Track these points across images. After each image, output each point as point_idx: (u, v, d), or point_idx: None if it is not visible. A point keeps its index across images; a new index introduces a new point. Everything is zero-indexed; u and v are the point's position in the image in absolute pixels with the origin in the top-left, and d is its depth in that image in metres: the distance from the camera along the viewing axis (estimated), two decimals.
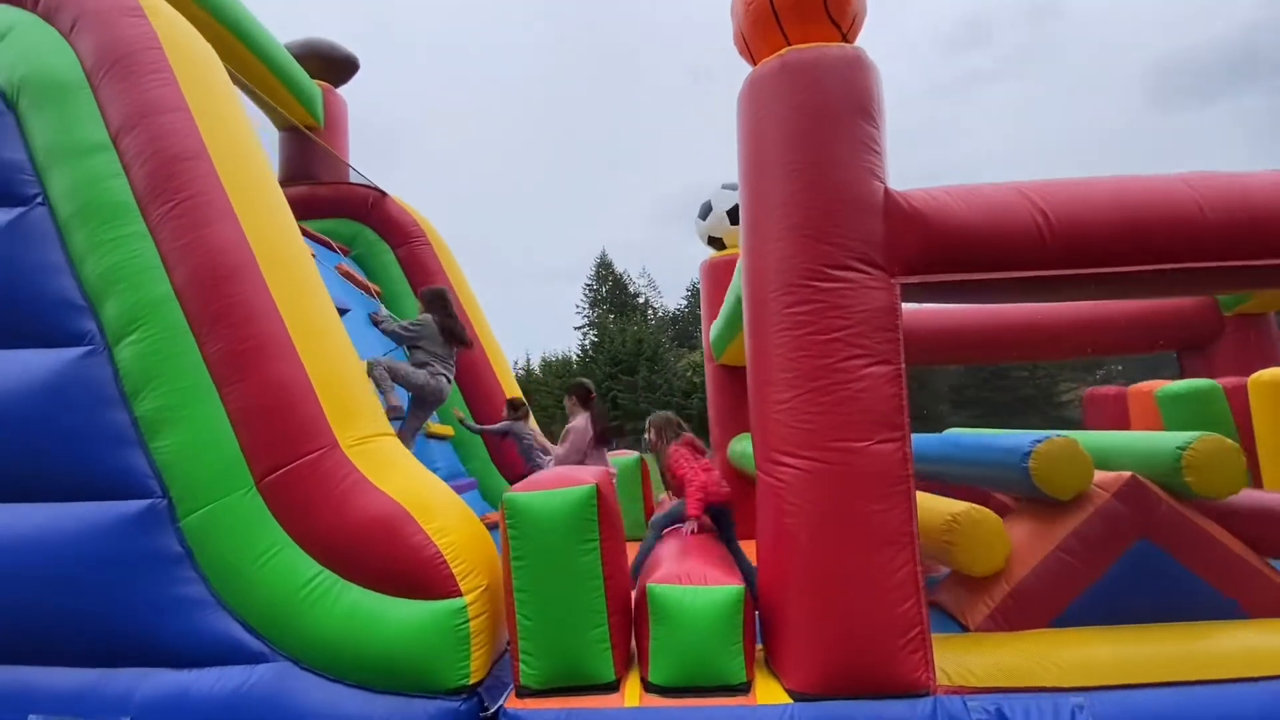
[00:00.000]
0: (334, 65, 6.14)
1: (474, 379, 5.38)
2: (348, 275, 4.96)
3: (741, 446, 4.77)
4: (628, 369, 54.69)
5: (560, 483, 2.30)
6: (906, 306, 2.40)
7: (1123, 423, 4.23)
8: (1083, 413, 4.74)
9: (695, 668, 2.17)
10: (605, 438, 4.09)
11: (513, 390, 5.47)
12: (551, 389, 59.63)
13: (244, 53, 4.93)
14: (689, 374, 53.62)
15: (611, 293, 72.44)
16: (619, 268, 74.02)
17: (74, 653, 2.37)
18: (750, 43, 2.66)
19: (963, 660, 2.25)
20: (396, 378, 3.75)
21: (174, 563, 2.41)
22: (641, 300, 73.97)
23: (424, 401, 3.95)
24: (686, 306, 75.11)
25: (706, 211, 5.08)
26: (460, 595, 2.33)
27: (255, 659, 2.35)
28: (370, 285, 5.15)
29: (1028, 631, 2.49)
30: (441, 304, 4.10)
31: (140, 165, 2.61)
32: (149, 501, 2.45)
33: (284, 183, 5.81)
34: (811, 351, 2.27)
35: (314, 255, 4.45)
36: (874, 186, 2.36)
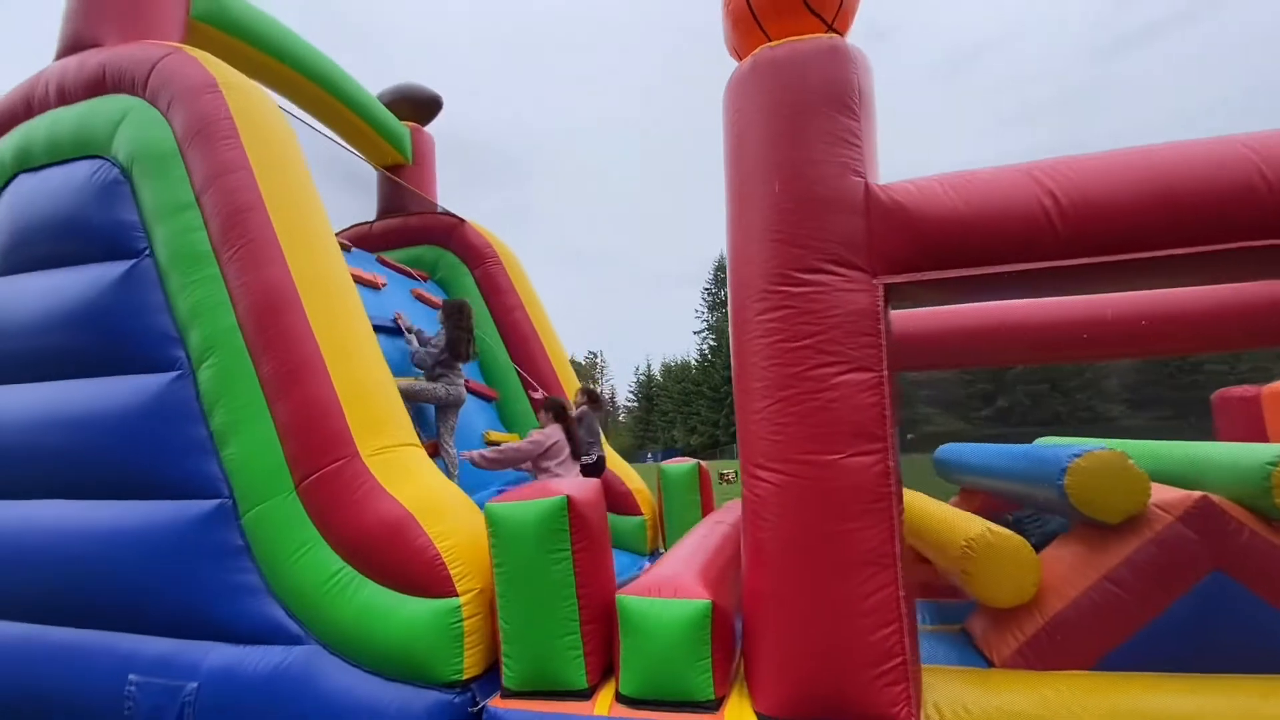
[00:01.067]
0: (421, 106, 6.77)
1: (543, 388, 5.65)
2: (421, 297, 5.44)
3: None
4: None
5: (537, 494, 2.39)
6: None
7: (1257, 429, 3.51)
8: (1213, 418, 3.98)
9: (661, 682, 2.16)
10: (577, 453, 4.33)
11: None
12: (672, 394, 60.44)
13: (339, 106, 5.62)
14: None
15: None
16: None
17: (161, 624, 2.86)
18: (735, 43, 2.61)
19: (963, 698, 2.03)
20: (417, 399, 4.12)
21: (236, 554, 2.83)
22: None
23: (446, 407, 4.37)
24: None
25: None
26: (455, 595, 2.50)
27: (293, 641, 2.69)
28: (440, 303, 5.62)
29: (1056, 672, 2.18)
30: (456, 317, 4.45)
31: (214, 218, 3.10)
32: (219, 501, 2.90)
33: (381, 215, 6.54)
34: (781, 359, 2.17)
35: (385, 283, 4.95)
36: (850, 183, 2.21)
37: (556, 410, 4.33)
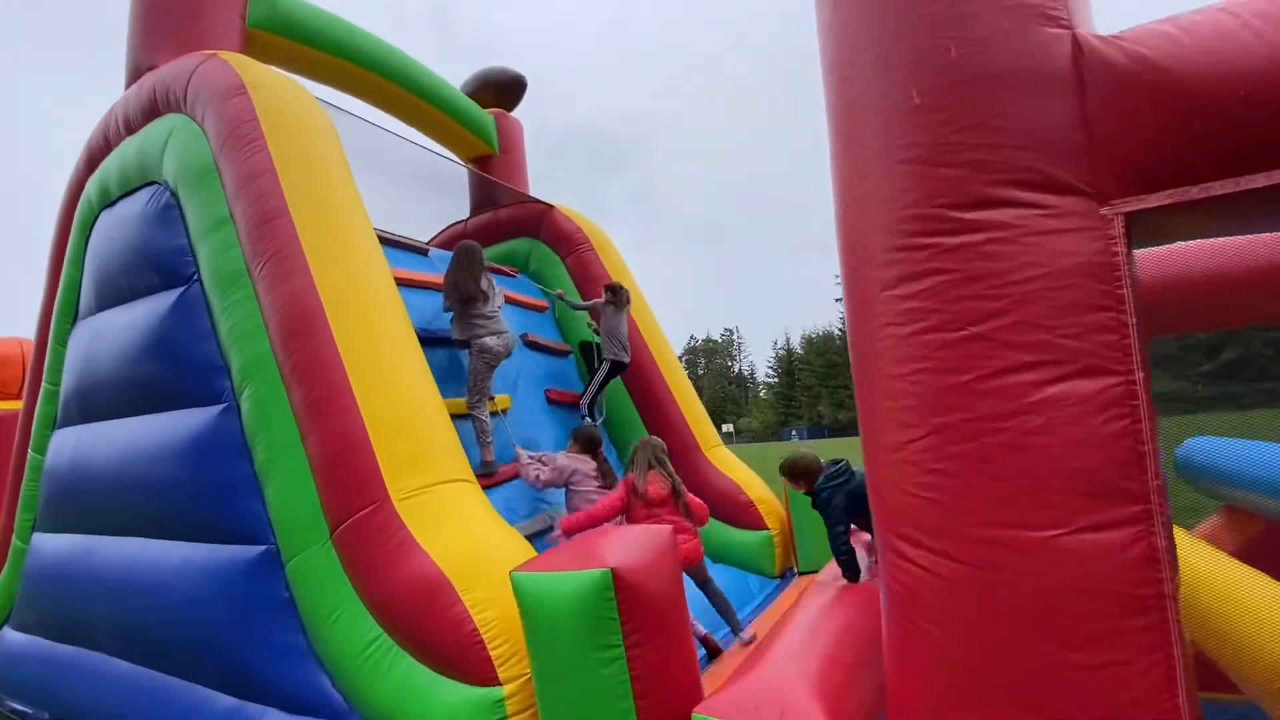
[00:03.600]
0: (505, 90, 6.37)
1: (646, 389, 4.99)
2: (509, 299, 5.00)
3: None
4: None
5: (576, 559, 1.73)
6: None
7: None
8: None
9: None
10: (606, 481, 3.58)
11: (692, 409, 4.93)
12: (814, 367, 57.42)
13: (416, 101, 5.33)
14: None
15: None
16: None
17: (222, 678, 2.63)
18: None
19: None
20: (475, 383, 3.66)
21: (282, 608, 2.51)
22: None
23: (492, 363, 3.77)
24: None
25: None
26: (497, 684, 1.94)
27: (337, 716, 2.30)
28: (534, 301, 5.16)
29: None
30: (457, 260, 3.85)
31: (243, 229, 2.80)
32: (265, 547, 2.60)
33: (475, 211, 6.24)
34: (932, 362, 1.29)
35: None
36: (1045, 39, 1.25)
37: (584, 442, 3.67)
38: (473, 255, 3.85)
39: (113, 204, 3.56)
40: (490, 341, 3.69)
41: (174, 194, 3.17)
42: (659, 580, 1.76)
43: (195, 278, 3.03)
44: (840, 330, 60.36)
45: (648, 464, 3.26)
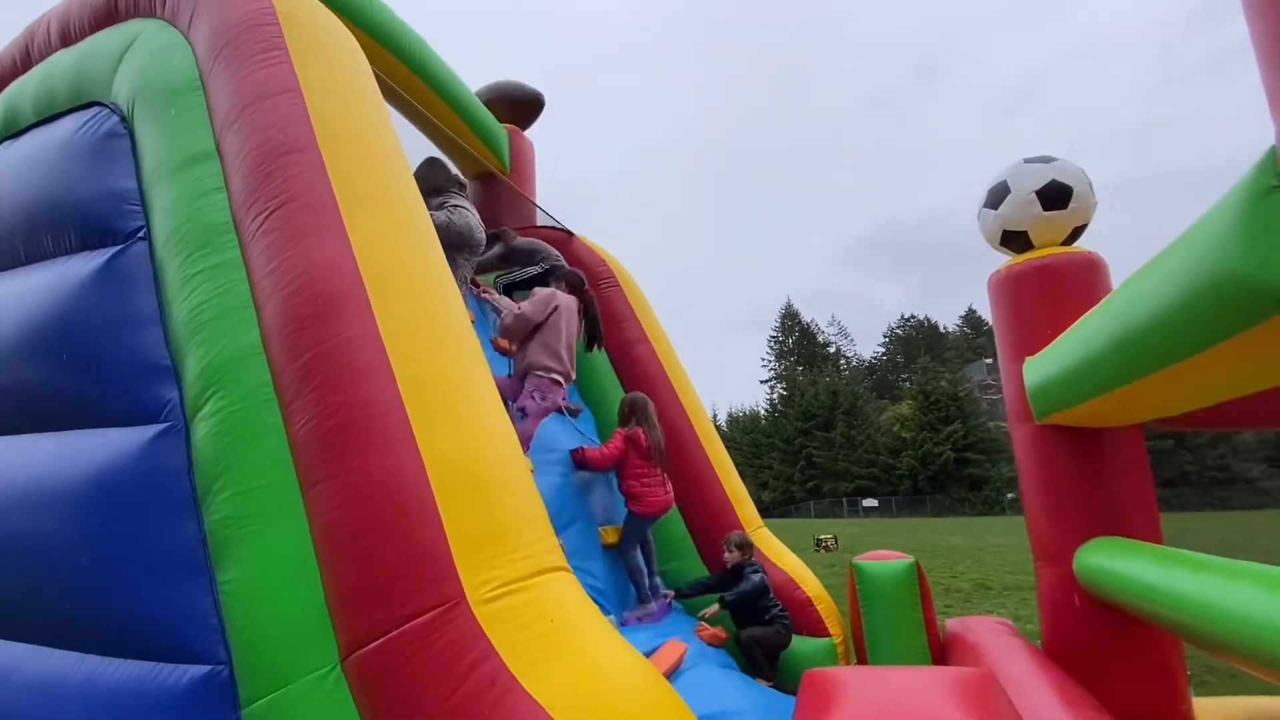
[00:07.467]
0: (521, 107, 5.74)
1: (686, 463, 4.18)
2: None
3: (1099, 560, 2.93)
4: (823, 424, 50.68)
5: None
6: None
7: None
8: None
9: None
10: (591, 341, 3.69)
11: (733, 485, 4.16)
12: (740, 445, 57.62)
13: (433, 99, 4.58)
14: (895, 428, 48.05)
15: (799, 343, 69.39)
16: (806, 316, 70.92)
17: None
18: None
19: None
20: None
21: None
22: (832, 350, 69.48)
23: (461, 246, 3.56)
24: (884, 355, 69.14)
25: (1000, 198, 3.43)
26: None
27: None
28: None
29: None
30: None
31: (239, 166, 1.89)
32: (206, 669, 1.54)
33: None
34: None
35: (473, 317, 3.70)
36: None
37: (573, 280, 3.58)
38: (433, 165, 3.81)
39: (18, 134, 2.51)
40: (440, 216, 3.39)
41: (125, 119, 2.20)
42: None
43: (141, 235, 2.03)
44: (766, 410, 61.54)
45: (646, 420, 3.57)
